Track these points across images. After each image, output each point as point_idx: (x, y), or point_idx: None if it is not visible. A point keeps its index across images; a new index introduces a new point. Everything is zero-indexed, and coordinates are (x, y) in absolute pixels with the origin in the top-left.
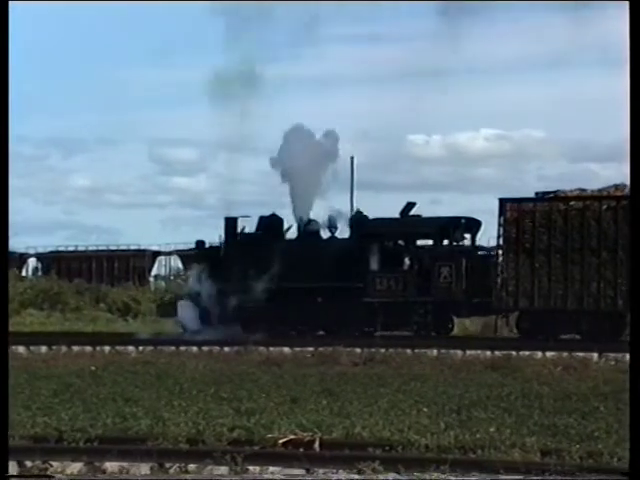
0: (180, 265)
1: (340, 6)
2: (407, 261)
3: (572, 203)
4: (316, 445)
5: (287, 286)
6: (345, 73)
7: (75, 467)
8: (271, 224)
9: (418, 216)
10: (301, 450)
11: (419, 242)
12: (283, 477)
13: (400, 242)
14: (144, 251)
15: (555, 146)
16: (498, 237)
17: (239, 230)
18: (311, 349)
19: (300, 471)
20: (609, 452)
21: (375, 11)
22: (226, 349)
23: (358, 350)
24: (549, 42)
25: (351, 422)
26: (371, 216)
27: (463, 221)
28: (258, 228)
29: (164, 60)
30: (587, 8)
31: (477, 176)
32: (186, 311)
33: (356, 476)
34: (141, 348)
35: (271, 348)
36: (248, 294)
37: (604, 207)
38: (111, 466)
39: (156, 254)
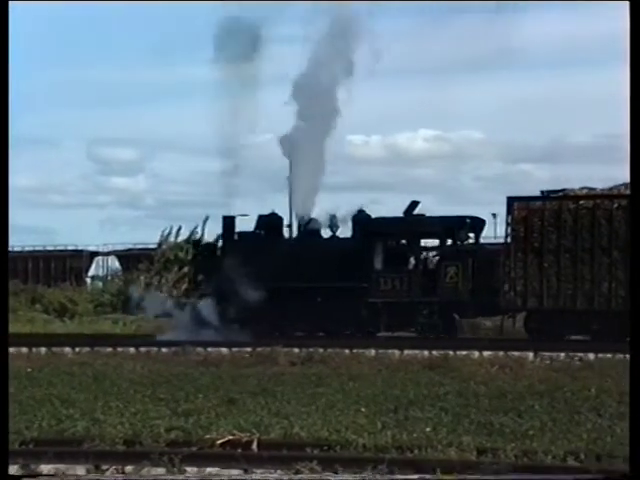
0: (117, 265)
1: (284, 6)
2: (412, 261)
3: (582, 202)
4: (254, 445)
5: (288, 286)
6: (285, 73)
7: (11, 470)
8: (270, 223)
9: (422, 215)
10: (239, 450)
11: (423, 242)
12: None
13: (405, 241)
14: (81, 251)
15: (492, 147)
16: (506, 236)
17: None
18: (249, 349)
19: (238, 471)
20: (543, 450)
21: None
22: (164, 350)
23: (296, 350)
24: (487, 43)
25: (289, 422)
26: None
27: (468, 220)
28: (257, 227)
29: (106, 59)
30: (522, 10)
31: (416, 176)
32: (182, 311)
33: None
34: (77, 349)
35: (209, 348)
36: (247, 294)
37: (615, 206)
38: (47, 469)
39: (94, 254)
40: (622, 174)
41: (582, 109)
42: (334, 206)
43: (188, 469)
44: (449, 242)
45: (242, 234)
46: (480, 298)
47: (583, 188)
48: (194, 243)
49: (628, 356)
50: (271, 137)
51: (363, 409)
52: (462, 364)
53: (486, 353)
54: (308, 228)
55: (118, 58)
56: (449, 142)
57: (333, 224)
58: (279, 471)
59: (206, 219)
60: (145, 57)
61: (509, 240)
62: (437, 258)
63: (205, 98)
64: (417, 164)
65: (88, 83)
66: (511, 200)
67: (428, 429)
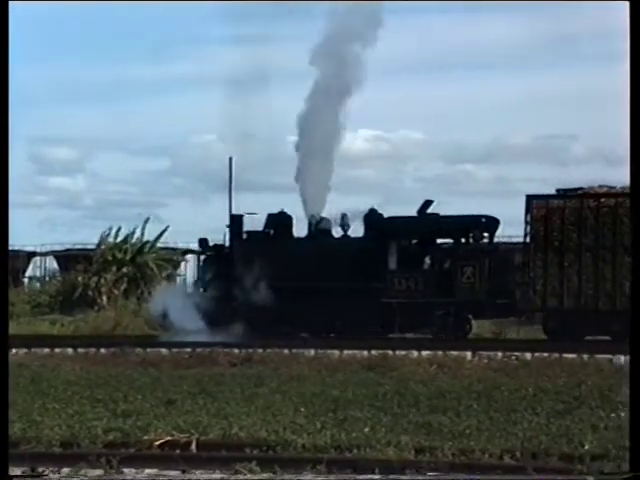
0: (55, 266)
1: (222, 6)
2: (428, 260)
3: (603, 200)
4: (193, 446)
5: (299, 286)
6: (224, 73)
7: None
8: (280, 221)
9: (436, 214)
10: (177, 451)
11: (433, 241)
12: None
13: (420, 241)
14: (18, 252)
15: (433, 147)
16: (525, 235)
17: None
18: (189, 350)
19: (176, 472)
20: (481, 449)
21: (258, 11)
22: (102, 351)
23: (236, 351)
24: (429, 44)
25: (228, 422)
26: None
27: (484, 220)
28: (266, 226)
29: (45, 57)
30: (465, 11)
31: (356, 177)
32: (189, 312)
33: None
34: (14, 350)
35: (148, 349)
36: (257, 294)
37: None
38: None
39: (31, 255)
40: (565, 175)
41: (522, 110)
42: (279, 207)
43: (126, 470)
44: (464, 242)
45: (251, 233)
46: (497, 298)
47: (603, 186)
48: (200, 242)
49: (564, 355)
50: (213, 138)
51: (302, 409)
52: (401, 364)
53: (425, 353)
54: (318, 227)
55: (55, 56)
56: (389, 142)
57: (344, 223)
58: (217, 472)
59: (147, 220)
60: (84, 56)
61: (528, 239)
62: (453, 258)
63: (146, 98)
64: (357, 164)
65: (29, 81)
66: (530, 198)
67: (367, 429)
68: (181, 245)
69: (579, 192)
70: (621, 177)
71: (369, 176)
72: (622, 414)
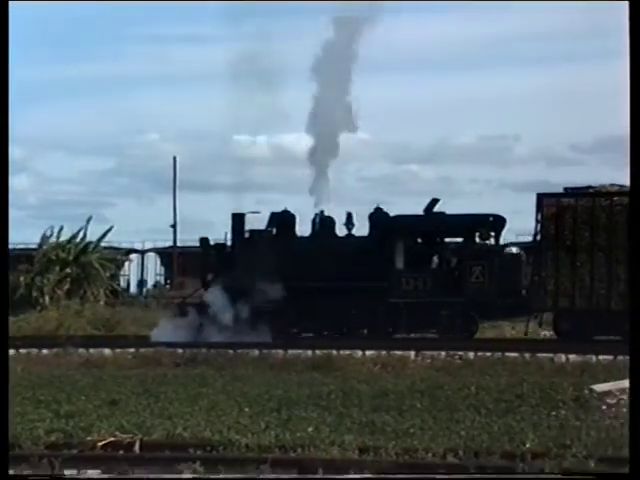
0: None
1: (161, 6)
2: (436, 260)
3: (616, 198)
4: (136, 447)
5: (304, 285)
6: (170, 72)
7: None
8: (283, 220)
9: (442, 213)
10: (121, 452)
11: (440, 240)
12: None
13: (427, 240)
14: None
15: (378, 148)
16: (535, 234)
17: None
18: (132, 350)
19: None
20: (424, 448)
21: (198, 11)
22: (45, 351)
23: (180, 351)
24: (373, 45)
25: (172, 423)
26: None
27: (491, 219)
28: (269, 224)
29: None
30: (415, 11)
31: (301, 177)
32: (191, 312)
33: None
34: None
35: (91, 350)
36: (260, 294)
37: None
38: None
39: None
40: (508, 175)
41: (467, 111)
42: (221, 206)
43: (67, 472)
44: (471, 241)
45: (254, 232)
46: (507, 298)
47: (614, 185)
48: (201, 241)
49: (506, 354)
50: (156, 137)
51: (246, 409)
52: (345, 363)
53: (369, 352)
54: (322, 226)
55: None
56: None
57: (349, 222)
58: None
59: (89, 219)
60: (27, 53)
61: (538, 238)
62: (462, 257)
63: (91, 98)
64: (302, 164)
65: None
66: (541, 196)
67: (311, 428)
68: (125, 245)
69: (590, 191)
70: (560, 178)
71: (313, 176)
72: (562, 412)
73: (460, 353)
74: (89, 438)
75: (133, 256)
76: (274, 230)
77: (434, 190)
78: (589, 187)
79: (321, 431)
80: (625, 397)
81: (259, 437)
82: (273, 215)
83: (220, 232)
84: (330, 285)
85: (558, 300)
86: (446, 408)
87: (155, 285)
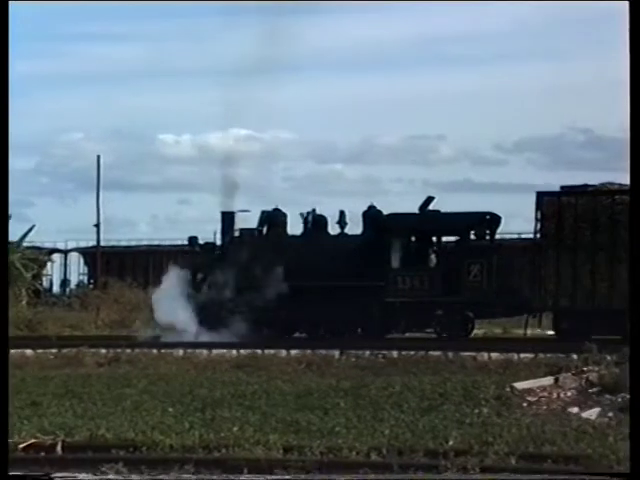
0: None
1: (83, 5)
2: (433, 258)
3: (617, 197)
4: (58, 448)
5: (298, 284)
6: (89, 72)
7: None
8: (274, 219)
9: (437, 211)
10: (42, 454)
11: (437, 239)
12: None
13: (423, 239)
14: None
15: (303, 147)
16: (535, 232)
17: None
18: (54, 351)
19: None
20: (348, 447)
21: (117, 11)
22: None
23: (103, 351)
24: (300, 44)
25: (95, 424)
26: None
27: (488, 217)
28: (260, 223)
29: None
30: (339, 12)
31: (226, 176)
32: (182, 313)
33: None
34: None
35: (12, 350)
36: (253, 294)
37: None
38: None
39: None
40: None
41: (391, 110)
42: (152, 206)
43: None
44: (468, 239)
45: (244, 230)
46: (506, 297)
47: (613, 183)
48: (190, 240)
49: (429, 353)
50: (80, 136)
51: (170, 409)
52: (270, 363)
53: (294, 352)
54: (314, 224)
55: None
56: (260, 142)
57: (342, 221)
58: (84, 473)
59: (9, 218)
60: None
61: (538, 236)
62: (459, 256)
63: (12, 97)
64: (227, 164)
65: None
66: (541, 195)
67: (235, 428)
68: (47, 244)
69: (592, 189)
70: (484, 178)
71: (239, 175)
72: (485, 410)
73: (384, 352)
74: (10, 440)
75: (56, 256)
76: (265, 229)
77: (359, 190)
78: (586, 185)
79: (245, 431)
80: (545, 394)
81: (183, 437)
82: (264, 214)
83: (143, 232)
84: (324, 284)
85: (559, 300)
86: (370, 407)
87: (78, 285)
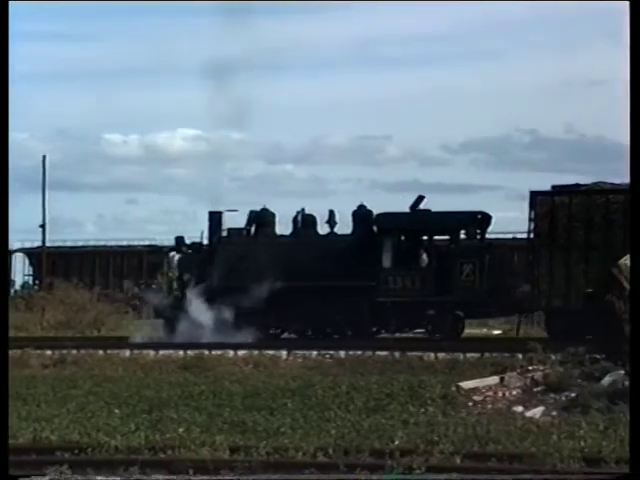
0: None
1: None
2: (425, 258)
3: (611, 196)
4: None
5: (287, 285)
6: (36, 71)
7: None
8: (263, 218)
9: (428, 210)
10: None
11: (426, 238)
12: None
13: (414, 238)
14: None
15: (252, 147)
16: (528, 232)
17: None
18: None
19: None
20: (294, 447)
21: (63, 10)
22: None
23: (49, 352)
24: (245, 44)
25: (40, 426)
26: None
27: (479, 216)
28: (248, 223)
29: None
30: (277, 12)
31: (174, 176)
32: (169, 315)
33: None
34: None
35: None
36: (242, 294)
37: None
38: None
39: None
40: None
41: (339, 111)
42: (98, 206)
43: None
44: (460, 239)
45: (232, 230)
46: (499, 297)
47: (606, 183)
48: (176, 240)
49: (377, 353)
50: (26, 136)
51: (116, 410)
52: (217, 363)
53: (241, 352)
54: (304, 224)
55: None
56: (209, 142)
57: (332, 220)
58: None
59: None
60: None
61: (532, 236)
62: (452, 255)
63: None
64: (176, 164)
65: None
66: (534, 194)
67: (181, 429)
68: None
69: (585, 188)
70: (431, 178)
71: (187, 175)
72: (431, 409)
73: (331, 352)
74: None
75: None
76: (253, 229)
77: (307, 190)
78: (577, 185)
79: (192, 432)
80: (491, 393)
81: (129, 439)
82: (252, 213)
83: (90, 232)
84: (315, 284)
85: (552, 300)
86: (317, 407)
87: (23, 286)
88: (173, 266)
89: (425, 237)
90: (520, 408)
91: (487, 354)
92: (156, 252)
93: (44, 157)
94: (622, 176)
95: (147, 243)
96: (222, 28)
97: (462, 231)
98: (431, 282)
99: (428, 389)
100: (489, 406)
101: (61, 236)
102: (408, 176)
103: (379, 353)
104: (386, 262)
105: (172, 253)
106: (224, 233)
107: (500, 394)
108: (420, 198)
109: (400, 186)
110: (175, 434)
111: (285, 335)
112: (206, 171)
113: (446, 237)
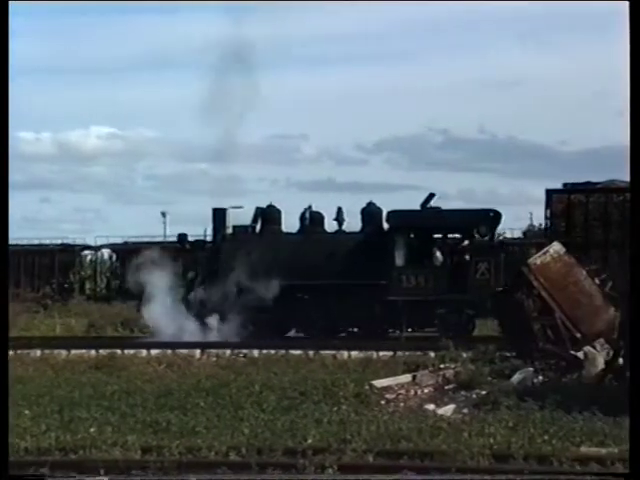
0: None
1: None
2: (438, 256)
3: (628, 194)
4: None
5: (296, 283)
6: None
7: None
8: (269, 215)
9: (439, 208)
10: None
11: (442, 236)
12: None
13: (426, 236)
14: None
15: (167, 146)
16: (545, 230)
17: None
18: None
19: None
20: (207, 446)
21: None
22: None
23: None
24: (150, 44)
25: None
26: None
27: (492, 214)
28: (254, 220)
29: None
30: (167, 12)
31: (88, 174)
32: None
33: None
34: None
35: None
36: (248, 292)
37: None
38: None
39: None
40: (296, 174)
41: (253, 110)
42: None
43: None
44: (473, 237)
45: (238, 227)
46: None
47: (618, 181)
48: (179, 237)
49: (290, 352)
50: None
51: (27, 411)
52: (130, 363)
53: (154, 351)
54: (311, 222)
55: None
56: (124, 140)
57: (340, 217)
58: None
59: None
60: None
61: (548, 234)
62: (466, 253)
63: None
64: (90, 162)
65: None
66: (550, 192)
67: (93, 429)
68: None
69: (601, 186)
70: (346, 177)
71: (101, 173)
72: (344, 408)
73: (245, 351)
74: None
75: None
76: (258, 226)
77: (222, 189)
78: (589, 183)
79: (104, 432)
80: (403, 392)
81: (39, 440)
82: (258, 210)
83: None
84: (324, 282)
85: None
86: (230, 406)
87: None
88: (101, 262)
89: (437, 235)
90: (432, 406)
91: (400, 353)
92: (68, 251)
93: None
94: (542, 175)
95: (59, 242)
96: (146, 27)
97: (475, 229)
98: (445, 281)
99: (341, 388)
100: (401, 404)
101: None
102: (324, 175)
103: (292, 352)
104: (399, 260)
105: (103, 250)
106: (229, 230)
107: (412, 392)
108: (431, 196)
109: (316, 185)
110: (86, 434)
111: (292, 334)
112: (119, 169)
113: (457, 235)
